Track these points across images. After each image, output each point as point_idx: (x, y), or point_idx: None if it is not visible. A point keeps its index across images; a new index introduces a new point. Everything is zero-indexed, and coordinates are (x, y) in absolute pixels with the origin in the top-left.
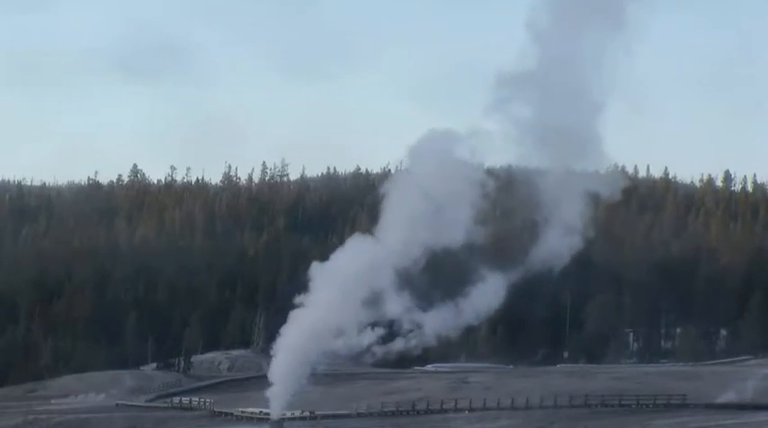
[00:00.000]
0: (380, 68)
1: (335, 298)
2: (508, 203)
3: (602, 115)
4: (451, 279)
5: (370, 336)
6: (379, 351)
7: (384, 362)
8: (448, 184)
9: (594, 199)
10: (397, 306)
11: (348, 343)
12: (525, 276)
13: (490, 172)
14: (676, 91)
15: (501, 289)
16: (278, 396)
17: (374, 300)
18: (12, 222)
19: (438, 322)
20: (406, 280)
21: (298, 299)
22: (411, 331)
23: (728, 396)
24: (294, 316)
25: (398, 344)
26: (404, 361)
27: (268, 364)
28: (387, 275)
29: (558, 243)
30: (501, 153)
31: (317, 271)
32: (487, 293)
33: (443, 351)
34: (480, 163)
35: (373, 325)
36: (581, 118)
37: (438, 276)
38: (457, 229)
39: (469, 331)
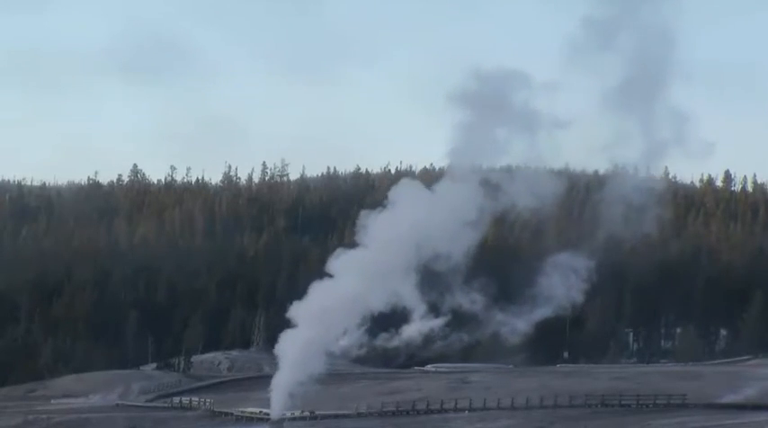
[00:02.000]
0: (381, 69)
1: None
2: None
3: (672, 72)
4: (524, 258)
5: (430, 324)
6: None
7: (425, 360)
8: (519, 138)
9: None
10: (463, 295)
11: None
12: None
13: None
14: (676, 90)
15: (590, 276)
16: (286, 379)
17: (435, 283)
18: (12, 222)
19: (515, 316)
20: (473, 259)
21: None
22: (479, 325)
23: (746, 393)
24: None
25: (455, 339)
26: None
27: (268, 364)
28: (449, 248)
29: (635, 216)
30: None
31: (363, 234)
32: (571, 280)
33: (506, 352)
34: (555, 114)
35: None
36: (652, 75)
37: (508, 256)
38: (532, 195)
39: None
